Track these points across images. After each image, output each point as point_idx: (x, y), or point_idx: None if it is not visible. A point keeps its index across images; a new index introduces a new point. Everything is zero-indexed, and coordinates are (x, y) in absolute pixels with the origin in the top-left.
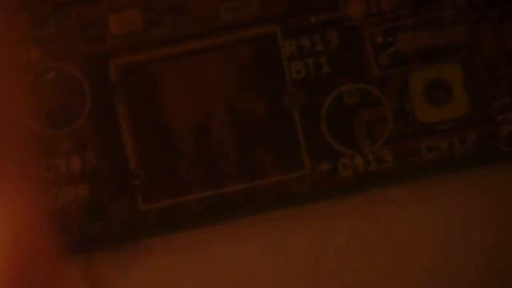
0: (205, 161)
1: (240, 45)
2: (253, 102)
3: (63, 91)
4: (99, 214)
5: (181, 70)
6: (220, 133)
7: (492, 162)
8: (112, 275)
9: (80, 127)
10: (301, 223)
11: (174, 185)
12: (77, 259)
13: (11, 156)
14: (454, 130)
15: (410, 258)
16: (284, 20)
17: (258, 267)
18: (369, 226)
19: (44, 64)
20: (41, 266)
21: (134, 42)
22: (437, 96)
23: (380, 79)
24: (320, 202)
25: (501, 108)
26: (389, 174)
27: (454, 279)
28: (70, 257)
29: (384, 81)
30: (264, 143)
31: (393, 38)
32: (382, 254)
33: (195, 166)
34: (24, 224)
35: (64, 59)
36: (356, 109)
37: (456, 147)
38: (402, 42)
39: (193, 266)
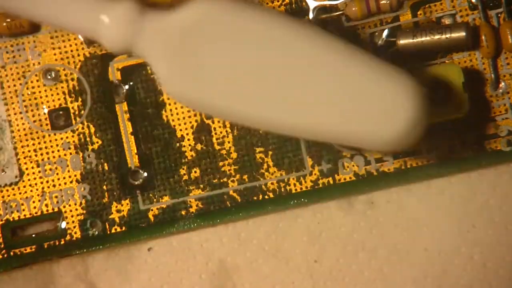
0: (205, 161)
1: None
2: None
3: (63, 91)
4: (99, 214)
5: None
6: (220, 133)
7: (492, 163)
8: (111, 275)
9: (80, 127)
10: (301, 223)
11: (174, 185)
12: (74, 259)
13: None
14: (454, 131)
15: (409, 258)
16: None
17: (258, 266)
18: (369, 226)
19: (44, 65)
20: None
21: None
22: (437, 96)
23: None
24: (320, 202)
25: (501, 108)
26: (389, 174)
27: (453, 279)
28: (68, 257)
29: None
30: (264, 143)
31: (393, 38)
32: (381, 254)
33: (195, 166)
34: None
35: (64, 59)
36: None
37: (456, 147)
38: (402, 42)
39: (193, 266)
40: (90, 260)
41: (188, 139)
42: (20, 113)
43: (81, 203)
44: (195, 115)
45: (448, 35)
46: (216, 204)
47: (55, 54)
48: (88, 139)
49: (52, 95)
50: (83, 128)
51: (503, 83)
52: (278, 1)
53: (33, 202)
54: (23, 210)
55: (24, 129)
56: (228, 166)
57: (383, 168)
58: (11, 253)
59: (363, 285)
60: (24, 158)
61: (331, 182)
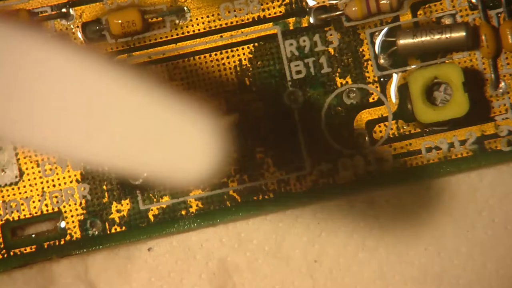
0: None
1: (240, 45)
2: (253, 102)
3: None
4: (99, 214)
5: (181, 70)
6: None
7: (492, 163)
8: (111, 275)
9: None
10: (301, 223)
11: (174, 185)
12: (74, 259)
13: None
14: (454, 131)
15: (409, 258)
16: (284, 20)
17: (258, 266)
18: (369, 226)
19: None
20: None
21: (134, 42)
22: (437, 96)
23: (380, 79)
24: (320, 202)
25: (501, 108)
26: (389, 174)
27: (453, 278)
28: (68, 257)
29: (384, 81)
30: (264, 143)
31: (393, 38)
32: (381, 254)
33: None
34: None
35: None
36: (356, 109)
37: (456, 147)
38: (402, 42)
39: (193, 266)
40: (90, 260)
41: None
42: None
43: (81, 203)
44: None
45: (448, 35)
46: (216, 204)
47: None
48: None
49: None
50: None
51: (503, 83)
52: (278, 1)
53: (33, 202)
54: (23, 210)
55: None
56: (228, 166)
57: (383, 168)
58: (11, 253)
59: (363, 285)
60: (24, 158)
61: (331, 182)
